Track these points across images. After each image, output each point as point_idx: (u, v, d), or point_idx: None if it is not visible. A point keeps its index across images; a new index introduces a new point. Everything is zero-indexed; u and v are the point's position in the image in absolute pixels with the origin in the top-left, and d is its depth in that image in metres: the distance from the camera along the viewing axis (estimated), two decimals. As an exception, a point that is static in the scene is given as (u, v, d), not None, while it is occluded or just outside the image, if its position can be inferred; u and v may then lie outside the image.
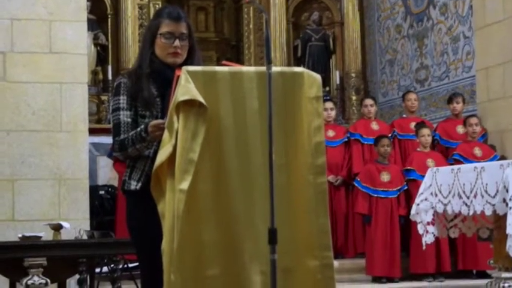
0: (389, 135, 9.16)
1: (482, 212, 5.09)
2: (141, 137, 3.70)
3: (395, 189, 8.58)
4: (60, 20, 7.69)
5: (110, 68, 11.66)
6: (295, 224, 3.56)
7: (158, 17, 3.91)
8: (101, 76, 11.90)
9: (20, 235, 6.17)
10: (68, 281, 6.82)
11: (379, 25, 12.62)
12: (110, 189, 9.64)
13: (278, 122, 3.47)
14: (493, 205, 4.94)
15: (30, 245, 5.87)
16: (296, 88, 3.61)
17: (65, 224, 6.43)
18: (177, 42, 3.83)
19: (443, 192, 5.45)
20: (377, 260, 8.40)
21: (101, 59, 11.95)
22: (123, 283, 6.71)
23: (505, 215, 4.87)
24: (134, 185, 3.80)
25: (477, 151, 8.77)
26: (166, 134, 3.51)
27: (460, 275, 8.54)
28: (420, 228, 5.65)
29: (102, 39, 11.90)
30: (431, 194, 5.57)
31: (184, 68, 3.53)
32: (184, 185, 3.39)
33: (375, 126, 9.45)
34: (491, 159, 8.43)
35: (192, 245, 3.42)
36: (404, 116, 9.90)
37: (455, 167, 5.56)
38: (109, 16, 12.09)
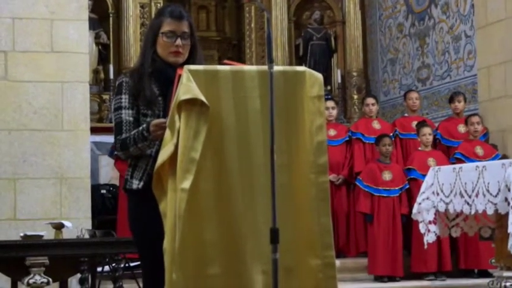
0: (391, 134, 9.15)
1: (484, 211, 5.09)
2: (143, 136, 3.70)
3: (397, 188, 8.58)
4: (61, 19, 7.69)
5: (111, 67, 11.66)
6: (297, 223, 3.55)
7: (160, 15, 3.91)
8: (102, 75, 11.89)
9: (21, 234, 6.17)
10: (69, 280, 6.82)
11: (381, 24, 12.61)
12: (111, 188, 9.64)
13: (280, 121, 3.46)
14: (495, 204, 4.94)
15: (31, 244, 5.87)
16: (298, 87, 3.61)
17: (66, 223, 6.42)
18: (178, 41, 3.83)
19: (445, 191, 5.44)
20: (379, 259, 8.39)
21: (103, 58, 11.94)
22: (125, 282, 6.71)
23: (507, 214, 4.87)
24: (136, 184, 3.80)
25: (479, 150, 8.77)
26: (167, 133, 3.51)
27: (461, 274, 8.53)
28: (422, 228, 5.65)
29: (104, 38, 11.90)
30: (433, 193, 5.57)
31: (186, 67, 3.53)
32: (186, 184, 3.39)
33: (376, 125, 9.45)
34: (493, 159, 8.43)
35: (194, 244, 3.42)
36: (405, 115, 9.89)
37: (457, 166, 5.56)
38: (110, 15, 12.08)
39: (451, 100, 9.46)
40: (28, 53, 7.58)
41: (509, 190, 4.82)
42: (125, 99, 3.82)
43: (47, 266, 5.78)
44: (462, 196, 5.26)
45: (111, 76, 11.47)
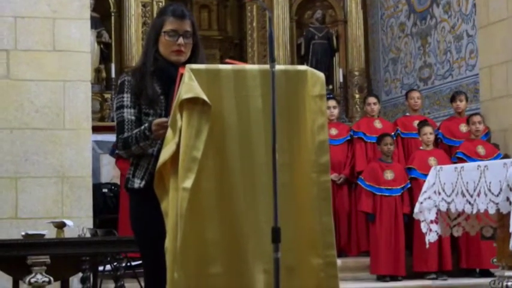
0: (393, 133, 9.15)
1: (486, 211, 5.08)
2: (144, 135, 3.70)
3: (399, 187, 8.57)
4: (63, 18, 7.69)
5: (113, 66, 11.67)
6: (298, 222, 3.55)
7: (162, 14, 3.91)
8: (104, 74, 11.90)
9: (23, 233, 6.18)
10: (71, 279, 6.82)
11: (383, 23, 12.61)
12: (113, 187, 9.65)
13: (281, 120, 3.46)
14: (497, 204, 4.93)
15: (33, 243, 5.88)
16: (299, 86, 3.61)
17: (68, 222, 6.43)
18: (180, 40, 3.83)
19: (447, 191, 5.44)
20: (382, 259, 8.38)
21: (104, 57, 11.95)
22: (126, 281, 6.71)
23: (509, 214, 4.87)
24: (138, 183, 3.80)
25: (480, 149, 8.76)
26: (169, 132, 3.51)
27: (463, 274, 8.53)
28: (423, 227, 5.64)
29: (106, 37, 11.91)
30: (435, 192, 5.56)
31: (188, 66, 3.53)
32: (188, 183, 3.39)
33: (378, 124, 9.44)
34: (495, 158, 8.42)
35: (196, 243, 3.42)
36: (407, 114, 9.89)
37: (459, 165, 5.55)
38: (112, 14, 12.09)
39: (452, 99, 9.45)
40: (30, 51, 7.58)
41: (511, 190, 4.81)
42: (126, 98, 3.82)
43: (49, 265, 5.78)
44: (464, 195, 5.25)
45: (113, 75, 11.48)
